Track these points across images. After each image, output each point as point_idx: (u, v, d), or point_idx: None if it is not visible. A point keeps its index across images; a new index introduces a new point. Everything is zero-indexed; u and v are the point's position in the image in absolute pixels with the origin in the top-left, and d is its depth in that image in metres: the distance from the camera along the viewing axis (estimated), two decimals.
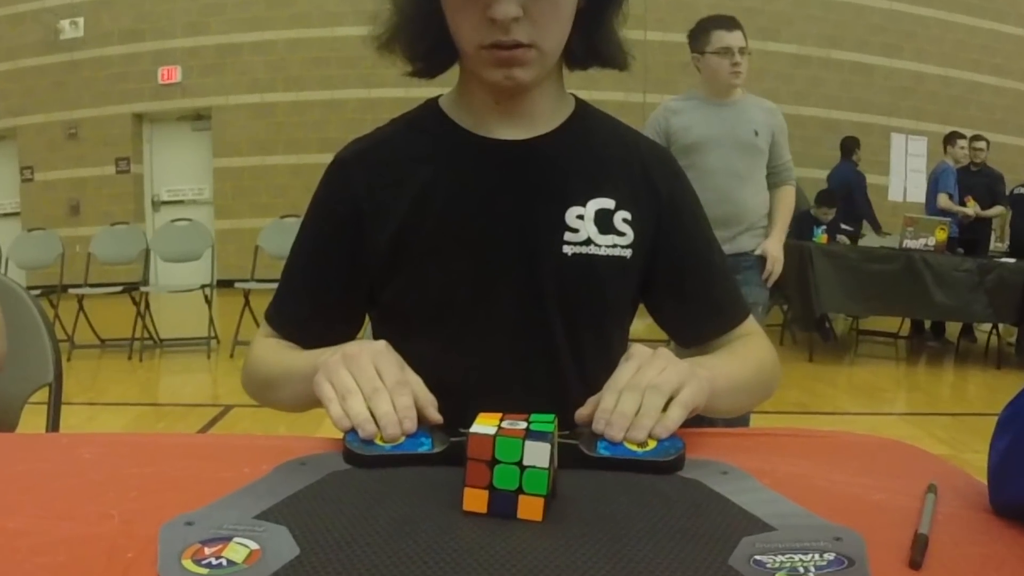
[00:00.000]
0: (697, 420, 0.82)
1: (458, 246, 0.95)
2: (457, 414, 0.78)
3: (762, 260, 2.89)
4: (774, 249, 2.90)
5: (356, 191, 0.98)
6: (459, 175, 0.97)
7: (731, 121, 2.83)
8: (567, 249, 0.95)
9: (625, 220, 0.97)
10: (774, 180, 2.95)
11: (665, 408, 0.75)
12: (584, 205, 0.96)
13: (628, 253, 0.97)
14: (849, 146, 7.04)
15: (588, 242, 0.96)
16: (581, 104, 1.03)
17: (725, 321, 1.02)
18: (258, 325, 1.06)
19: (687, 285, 1.01)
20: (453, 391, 0.82)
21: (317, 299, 1.01)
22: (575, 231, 0.96)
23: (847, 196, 6.51)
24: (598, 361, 0.97)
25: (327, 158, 1.03)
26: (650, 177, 1.00)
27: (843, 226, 6.15)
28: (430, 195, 0.96)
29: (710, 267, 1.03)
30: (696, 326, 1.03)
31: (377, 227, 0.97)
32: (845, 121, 9.32)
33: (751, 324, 1.04)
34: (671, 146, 2.80)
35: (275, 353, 0.98)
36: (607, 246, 0.96)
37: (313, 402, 0.82)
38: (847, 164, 6.97)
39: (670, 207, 1.01)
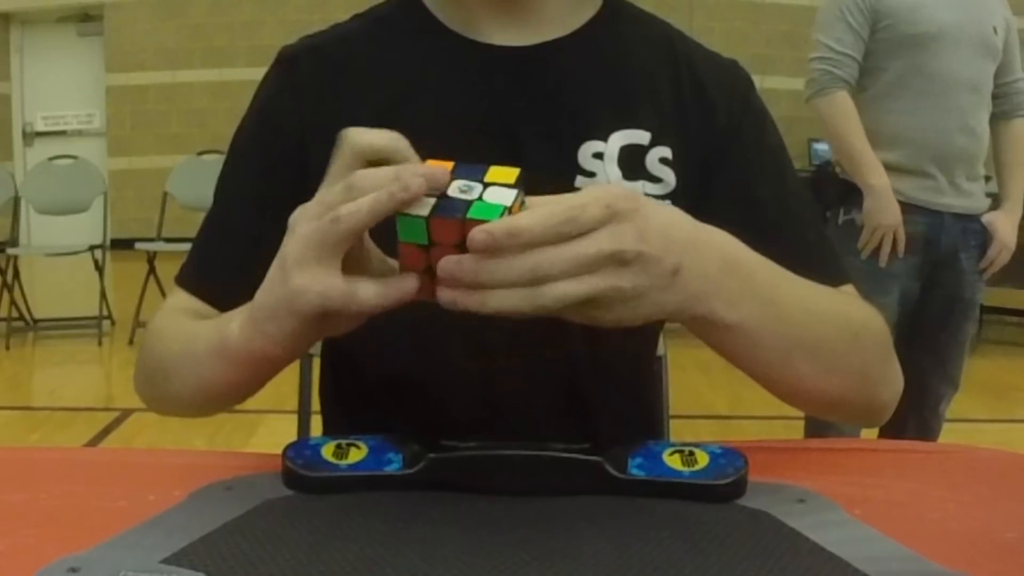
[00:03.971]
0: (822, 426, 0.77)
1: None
2: (431, 423, 0.77)
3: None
4: (1005, 227, 2.50)
5: (306, 100, 0.98)
6: (434, 93, 0.96)
7: (970, 6, 2.44)
8: None
9: (663, 160, 0.96)
10: (1002, 107, 2.55)
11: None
12: (605, 140, 0.95)
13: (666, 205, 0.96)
14: None
15: None
16: (612, 1, 1.02)
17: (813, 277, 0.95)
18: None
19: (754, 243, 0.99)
20: (423, 392, 0.81)
21: (255, 245, 0.99)
22: (591, 175, 0.95)
23: None
24: (631, 361, 0.97)
25: (261, 73, 1.02)
26: (704, 95, 0.99)
27: None
28: (391, 121, 0.95)
29: (789, 218, 1.00)
30: None
31: (322, 154, 0.96)
32: None
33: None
34: (878, 32, 2.41)
35: (178, 324, 0.92)
36: None
37: (220, 389, 0.80)
38: None
39: (730, 133, 0.98)
